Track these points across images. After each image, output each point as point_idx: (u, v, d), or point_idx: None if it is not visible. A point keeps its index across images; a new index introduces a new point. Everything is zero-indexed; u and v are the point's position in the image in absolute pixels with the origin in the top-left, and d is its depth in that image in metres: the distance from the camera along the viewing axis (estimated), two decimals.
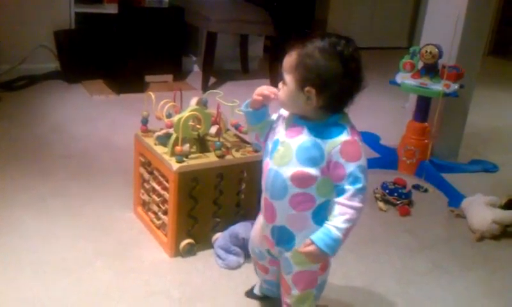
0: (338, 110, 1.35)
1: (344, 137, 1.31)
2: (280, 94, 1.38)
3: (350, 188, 1.30)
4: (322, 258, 1.37)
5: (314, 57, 1.30)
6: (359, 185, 1.31)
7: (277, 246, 1.48)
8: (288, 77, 1.34)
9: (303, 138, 1.35)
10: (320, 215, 1.36)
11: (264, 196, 1.46)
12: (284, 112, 1.44)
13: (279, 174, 1.38)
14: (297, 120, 1.38)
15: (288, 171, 1.36)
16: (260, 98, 1.43)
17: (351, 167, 1.30)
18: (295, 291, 1.49)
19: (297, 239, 1.41)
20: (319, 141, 1.33)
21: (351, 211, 1.31)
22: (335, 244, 1.32)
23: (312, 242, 1.33)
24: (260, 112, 1.47)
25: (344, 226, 1.31)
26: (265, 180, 1.43)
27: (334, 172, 1.32)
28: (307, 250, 1.35)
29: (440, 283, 2.00)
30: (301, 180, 1.35)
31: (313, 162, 1.33)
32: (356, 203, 1.31)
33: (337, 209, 1.32)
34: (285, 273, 1.50)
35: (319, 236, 1.33)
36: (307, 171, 1.34)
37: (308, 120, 1.36)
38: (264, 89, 1.43)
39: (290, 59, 1.34)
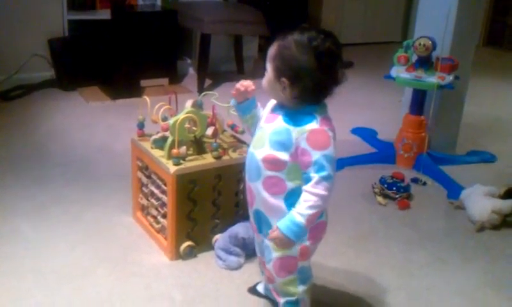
0: (313, 101, 1.41)
1: (313, 125, 1.39)
2: (263, 80, 1.46)
3: (315, 176, 1.36)
4: (288, 243, 1.42)
5: (290, 49, 1.38)
6: (324, 173, 1.36)
7: (259, 233, 1.55)
8: (268, 66, 1.43)
9: (277, 124, 1.44)
10: (293, 200, 1.42)
11: (245, 178, 1.54)
12: (270, 104, 1.52)
13: (254, 156, 1.48)
14: (276, 108, 1.48)
15: (261, 154, 1.45)
16: (234, 92, 1.56)
17: (316, 155, 1.36)
18: (277, 279, 1.54)
19: (273, 225, 1.47)
20: (289, 127, 1.41)
21: (314, 198, 1.37)
22: (298, 230, 1.39)
23: (277, 228, 1.40)
24: (245, 105, 1.57)
25: (307, 212, 1.37)
26: (246, 163, 1.53)
27: (301, 158, 1.39)
28: (273, 235, 1.42)
29: (441, 274, 2.01)
30: (271, 163, 1.43)
31: (282, 146, 1.41)
32: (320, 191, 1.36)
33: (302, 196, 1.39)
34: (267, 262, 1.55)
35: (283, 222, 1.40)
36: (277, 155, 1.42)
37: (286, 108, 1.44)
38: (238, 83, 1.55)
39: (271, 49, 1.42)
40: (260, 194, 1.48)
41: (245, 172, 1.54)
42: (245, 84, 1.55)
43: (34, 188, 2.43)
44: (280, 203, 1.45)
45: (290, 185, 1.43)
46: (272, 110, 1.49)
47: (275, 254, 1.50)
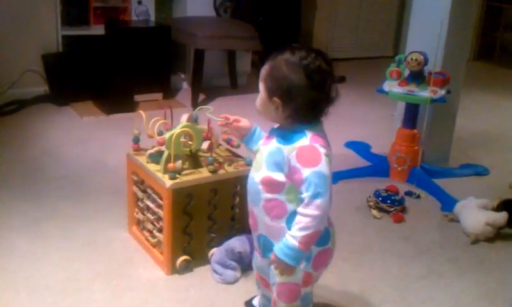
0: (306, 120, 1.40)
1: (302, 142, 1.37)
2: (256, 101, 1.46)
3: (305, 196, 1.34)
4: (287, 268, 1.39)
5: (281, 69, 1.37)
6: (313, 192, 1.33)
7: (264, 257, 1.52)
8: (261, 86, 1.43)
9: (272, 145, 1.43)
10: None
11: (248, 203, 1.52)
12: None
13: (253, 180, 1.47)
14: (272, 131, 1.48)
15: (259, 176, 1.44)
16: (226, 128, 1.62)
17: (306, 172, 1.34)
18: (280, 304, 1.51)
19: None
20: (281, 146, 1.40)
21: (305, 219, 1.33)
22: (293, 253, 1.35)
23: (274, 252, 1.38)
24: (247, 139, 1.59)
25: (299, 234, 1.34)
26: (247, 187, 1.51)
27: (293, 177, 1.36)
28: (271, 259, 1.40)
29: (436, 287, 2.01)
30: (268, 185, 1.41)
31: (277, 167, 1.39)
32: (311, 211, 1.33)
33: (296, 218, 1.36)
34: (272, 284, 1.53)
35: (278, 246, 1.37)
36: (273, 176, 1.40)
37: (280, 130, 1.44)
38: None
39: (263, 70, 1.42)
40: (261, 218, 1.46)
41: (247, 196, 1.51)
42: (230, 119, 1.59)
43: (29, 203, 2.42)
44: (281, 226, 1.41)
45: (290, 207, 1.39)
46: (268, 134, 1.50)
47: (278, 279, 1.47)
